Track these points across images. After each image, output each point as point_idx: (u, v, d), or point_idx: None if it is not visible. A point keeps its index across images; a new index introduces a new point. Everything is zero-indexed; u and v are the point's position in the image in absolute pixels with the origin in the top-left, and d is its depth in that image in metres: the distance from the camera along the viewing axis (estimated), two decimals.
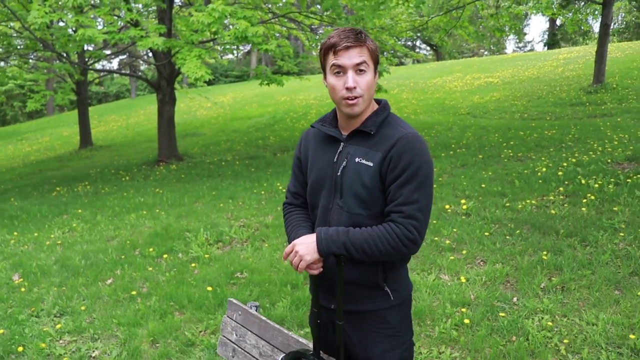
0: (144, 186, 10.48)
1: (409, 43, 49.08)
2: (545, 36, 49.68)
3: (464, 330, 3.38)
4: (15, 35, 13.63)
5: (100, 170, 14.43)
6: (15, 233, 6.81)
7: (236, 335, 2.68)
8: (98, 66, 20.78)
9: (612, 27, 33.98)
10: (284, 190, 8.09)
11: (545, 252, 4.51)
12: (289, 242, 1.88)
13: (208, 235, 5.72)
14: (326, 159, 1.87)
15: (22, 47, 14.77)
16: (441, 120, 14.66)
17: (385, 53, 13.61)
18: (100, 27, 11.61)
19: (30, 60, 18.68)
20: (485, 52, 55.73)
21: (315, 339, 1.98)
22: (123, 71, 24.65)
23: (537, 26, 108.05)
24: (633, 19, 33.28)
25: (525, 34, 58.97)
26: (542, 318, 3.45)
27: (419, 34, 38.12)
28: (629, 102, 14.40)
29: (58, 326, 3.82)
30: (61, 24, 12.27)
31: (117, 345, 3.52)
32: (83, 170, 15.15)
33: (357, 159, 1.79)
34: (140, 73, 30.75)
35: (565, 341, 3.17)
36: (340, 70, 1.73)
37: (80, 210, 8.01)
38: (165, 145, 13.79)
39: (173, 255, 5.28)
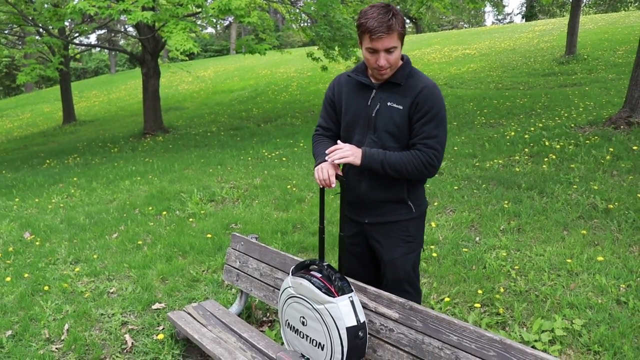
0: (133, 157, 10.84)
1: None
2: (524, 8, 50.19)
3: (432, 262, 3.94)
4: None
5: (87, 143, 14.69)
6: (17, 199, 7.19)
7: (239, 262, 3.19)
8: (77, 41, 20.70)
9: None
10: (270, 156, 8.57)
11: (506, 202, 5.08)
12: (317, 161, 2.35)
13: (201, 195, 6.19)
14: (360, 102, 2.33)
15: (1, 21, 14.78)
16: None
17: None
18: (75, 2, 11.73)
19: (9, 36, 18.59)
20: (465, 25, 56.10)
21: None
22: (107, 46, 24.54)
23: None
24: None
25: (504, 6, 59.38)
26: (499, 252, 4.01)
27: (398, 6, 38.24)
28: (597, 72, 15.03)
29: (76, 269, 4.30)
30: None
31: (131, 283, 4.01)
32: (69, 144, 15.39)
33: (389, 103, 2.26)
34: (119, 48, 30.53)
35: (516, 267, 3.74)
36: (374, 51, 2.17)
37: (75, 179, 8.38)
38: (151, 118, 14.08)
39: (171, 213, 5.75)
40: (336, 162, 2.20)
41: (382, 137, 2.27)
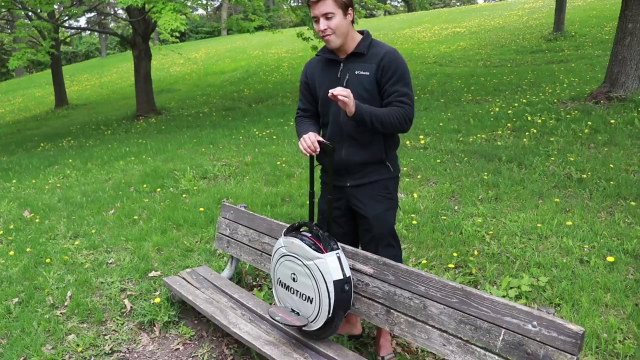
0: (127, 138, 11.00)
1: None
2: None
3: (412, 230, 4.17)
4: None
5: (80, 127, 14.80)
6: (14, 181, 7.37)
7: (229, 230, 3.42)
8: (67, 25, 20.62)
9: None
10: (261, 135, 8.76)
11: (486, 174, 5.31)
12: (300, 137, 2.52)
13: (194, 173, 6.39)
14: (331, 76, 2.57)
15: None
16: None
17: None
18: None
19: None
20: (457, 3, 55.85)
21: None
22: (97, 29, 24.41)
23: None
24: None
25: None
26: (476, 219, 4.25)
27: None
28: (584, 49, 15.21)
29: (76, 243, 4.52)
30: None
31: (128, 254, 4.23)
32: (63, 128, 15.49)
33: (356, 72, 2.50)
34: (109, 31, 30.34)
35: (491, 232, 3.99)
36: (316, 18, 2.43)
37: (70, 161, 8.55)
38: (144, 100, 14.20)
39: (165, 190, 5.95)
40: (340, 98, 2.30)
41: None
